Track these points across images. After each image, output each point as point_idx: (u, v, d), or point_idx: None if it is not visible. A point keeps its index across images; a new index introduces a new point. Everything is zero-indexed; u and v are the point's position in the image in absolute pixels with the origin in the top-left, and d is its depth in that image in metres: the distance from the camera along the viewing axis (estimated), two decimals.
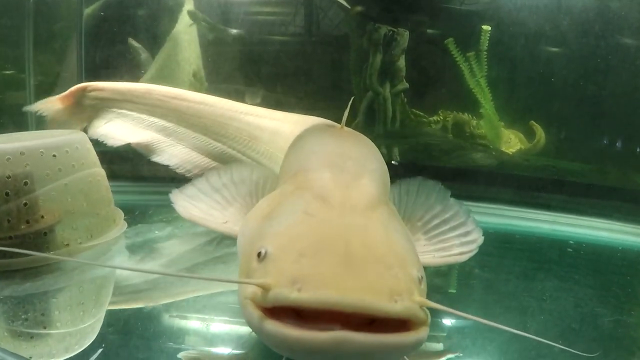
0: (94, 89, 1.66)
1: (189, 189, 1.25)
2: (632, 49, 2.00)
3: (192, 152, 1.62)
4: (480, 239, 1.14)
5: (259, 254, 0.73)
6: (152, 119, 1.64)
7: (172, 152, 1.62)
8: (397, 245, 0.75)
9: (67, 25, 2.30)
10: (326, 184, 0.87)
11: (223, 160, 1.61)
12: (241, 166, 1.30)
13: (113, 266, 1.32)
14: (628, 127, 2.03)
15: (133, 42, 2.14)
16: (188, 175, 1.60)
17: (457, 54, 2.13)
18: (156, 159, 1.63)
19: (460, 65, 2.13)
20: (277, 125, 1.58)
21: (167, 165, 1.63)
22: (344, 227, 0.75)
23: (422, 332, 0.66)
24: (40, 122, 2.09)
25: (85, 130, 1.63)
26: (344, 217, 0.78)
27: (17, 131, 1.49)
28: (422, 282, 0.72)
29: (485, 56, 2.11)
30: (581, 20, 2.03)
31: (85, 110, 1.67)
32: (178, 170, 1.62)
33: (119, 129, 1.65)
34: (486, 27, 2.10)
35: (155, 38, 2.20)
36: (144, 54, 2.12)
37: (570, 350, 0.81)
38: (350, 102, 1.29)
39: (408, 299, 0.64)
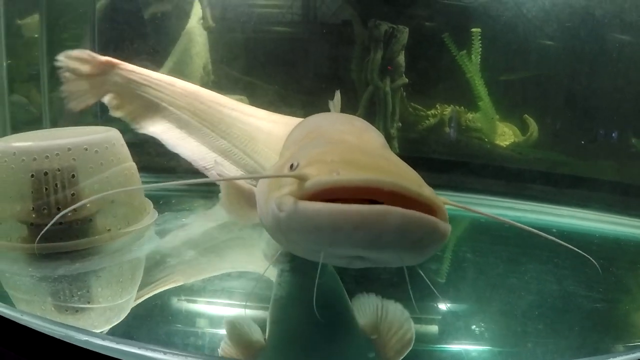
0: (125, 69, 1.69)
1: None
2: (624, 45, 2.01)
3: (202, 146, 1.72)
4: None
5: (291, 166, 0.79)
6: (171, 108, 1.72)
7: (185, 144, 1.72)
8: (416, 174, 0.79)
9: (79, 17, 2.35)
10: (342, 130, 0.96)
11: (228, 156, 1.72)
12: None
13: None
14: (613, 122, 2.08)
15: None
16: (196, 167, 1.70)
17: (454, 49, 2.16)
18: (171, 148, 1.72)
19: (458, 61, 2.16)
20: (271, 127, 1.70)
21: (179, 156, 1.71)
22: (367, 150, 0.84)
23: (449, 226, 0.71)
24: (54, 120, 2.18)
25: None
26: (364, 146, 0.87)
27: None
28: None
29: (479, 57, 2.16)
30: (575, 16, 2.04)
31: (105, 85, 1.68)
32: (188, 160, 1.72)
33: (141, 114, 1.72)
34: (476, 30, 2.14)
35: (167, 33, 2.26)
36: None
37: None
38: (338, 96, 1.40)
39: (432, 192, 0.72)
